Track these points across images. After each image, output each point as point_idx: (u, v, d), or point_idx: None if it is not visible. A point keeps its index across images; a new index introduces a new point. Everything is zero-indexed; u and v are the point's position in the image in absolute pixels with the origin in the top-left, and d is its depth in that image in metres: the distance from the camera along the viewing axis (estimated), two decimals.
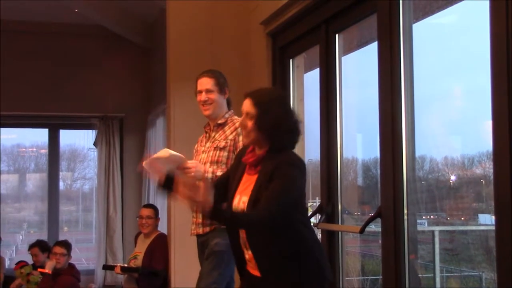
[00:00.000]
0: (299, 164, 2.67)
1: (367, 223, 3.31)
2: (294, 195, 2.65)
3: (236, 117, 3.69)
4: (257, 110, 2.67)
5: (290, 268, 2.66)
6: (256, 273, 2.76)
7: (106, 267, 6.04)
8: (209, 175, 3.45)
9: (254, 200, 2.64)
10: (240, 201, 2.74)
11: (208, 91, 3.66)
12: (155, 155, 3.52)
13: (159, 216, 5.80)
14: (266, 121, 2.65)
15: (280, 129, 2.66)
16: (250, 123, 2.68)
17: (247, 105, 2.70)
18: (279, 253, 2.66)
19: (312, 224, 4.00)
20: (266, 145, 2.70)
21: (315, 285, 2.69)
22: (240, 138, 3.52)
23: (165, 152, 3.36)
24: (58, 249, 5.95)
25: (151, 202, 7.21)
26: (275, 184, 2.57)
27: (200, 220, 3.62)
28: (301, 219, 2.73)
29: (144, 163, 3.42)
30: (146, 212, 5.71)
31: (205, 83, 3.67)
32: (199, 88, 3.70)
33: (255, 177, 2.72)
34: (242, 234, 2.77)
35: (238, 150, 3.48)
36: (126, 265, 5.54)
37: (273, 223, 2.58)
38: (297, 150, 4.58)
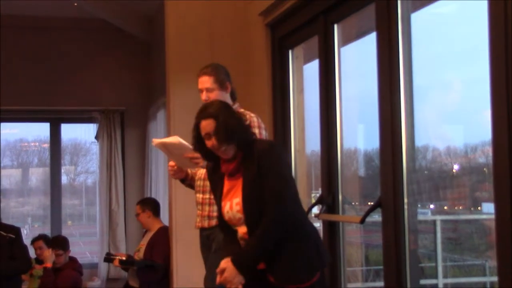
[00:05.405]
0: (273, 144, 2.89)
1: (368, 213, 3.31)
2: (293, 184, 2.81)
3: (242, 109, 3.65)
4: (217, 128, 2.71)
5: (289, 250, 2.72)
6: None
7: (106, 260, 6.09)
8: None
9: (248, 195, 2.72)
10: (233, 204, 2.80)
11: (208, 90, 3.57)
12: (165, 140, 3.53)
13: (156, 211, 5.75)
14: (226, 133, 2.71)
15: (241, 131, 2.76)
16: (216, 143, 2.73)
17: (209, 126, 2.74)
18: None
19: (313, 215, 4.02)
20: (239, 151, 2.77)
21: (313, 267, 2.75)
22: (255, 119, 3.47)
23: (175, 139, 3.42)
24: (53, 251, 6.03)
25: (152, 195, 7.24)
26: (273, 182, 2.67)
27: (206, 213, 3.60)
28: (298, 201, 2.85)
29: (153, 143, 3.47)
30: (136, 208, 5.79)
31: (205, 81, 3.58)
32: (199, 86, 3.61)
33: (239, 180, 2.78)
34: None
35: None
36: (123, 258, 5.52)
37: (291, 216, 2.71)
38: (298, 141, 4.57)
